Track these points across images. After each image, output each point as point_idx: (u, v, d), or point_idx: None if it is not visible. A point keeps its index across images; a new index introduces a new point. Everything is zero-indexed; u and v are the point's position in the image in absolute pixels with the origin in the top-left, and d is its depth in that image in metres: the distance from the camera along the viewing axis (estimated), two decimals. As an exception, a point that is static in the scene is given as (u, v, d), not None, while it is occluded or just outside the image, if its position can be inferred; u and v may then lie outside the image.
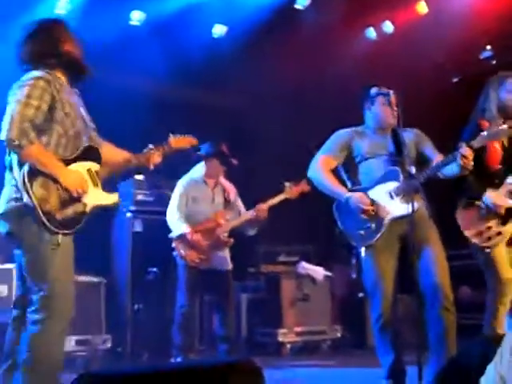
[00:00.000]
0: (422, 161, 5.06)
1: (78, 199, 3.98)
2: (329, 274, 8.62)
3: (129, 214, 8.12)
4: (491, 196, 5.04)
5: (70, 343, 7.14)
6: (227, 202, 6.76)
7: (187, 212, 6.63)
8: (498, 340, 2.88)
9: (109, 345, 7.49)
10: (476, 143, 4.65)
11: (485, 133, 4.67)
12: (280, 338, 8.24)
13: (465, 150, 4.59)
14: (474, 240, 5.06)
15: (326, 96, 9.29)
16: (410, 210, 4.67)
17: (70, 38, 4.18)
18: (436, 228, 4.96)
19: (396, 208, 4.88)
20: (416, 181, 4.81)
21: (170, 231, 6.62)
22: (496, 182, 5.09)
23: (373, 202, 4.91)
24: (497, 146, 5.09)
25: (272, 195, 6.55)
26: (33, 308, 3.87)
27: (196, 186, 6.72)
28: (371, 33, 9.75)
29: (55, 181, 3.87)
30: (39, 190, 3.81)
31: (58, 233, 3.90)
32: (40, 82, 3.92)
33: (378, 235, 4.87)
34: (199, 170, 6.77)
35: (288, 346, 8.29)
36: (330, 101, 9.18)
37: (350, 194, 4.94)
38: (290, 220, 8.79)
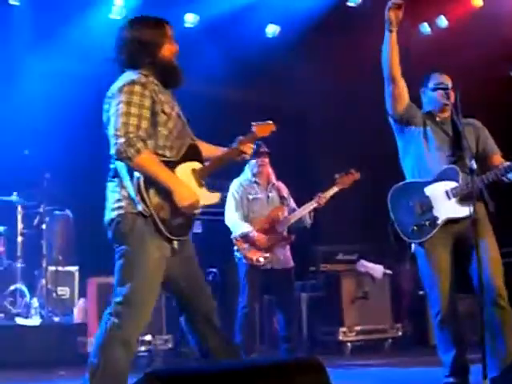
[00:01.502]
0: (482, 156, 4.99)
1: None
2: (388, 271, 8.56)
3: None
4: None
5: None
6: (282, 199, 6.76)
7: (245, 213, 6.65)
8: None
9: (170, 345, 7.55)
10: None
11: None
12: (340, 337, 8.20)
13: None
14: None
15: (380, 95, 9.22)
16: (467, 213, 4.64)
17: (167, 41, 3.97)
18: (491, 226, 4.90)
19: (452, 209, 4.83)
20: (476, 184, 4.73)
21: (228, 232, 6.64)
22: None
23: (429, 200, 4.87)
24: None
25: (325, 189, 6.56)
26: (109, 311, 3.78)
27: (249, 187, 6.73)
28: (425, 28, 9.68)
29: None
30: (155, 197, 3.73)
31: (173, 240, 3.85)
32: (137, 87, 3.77)
33: (431, 234, 4.83)
34: (247, 171, 6.78)
35: (349, 344, 8.25)
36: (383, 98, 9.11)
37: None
38: (348, 218, 8.77)
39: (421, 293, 8.47)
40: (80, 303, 7.77)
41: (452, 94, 4.98)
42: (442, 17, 9.55)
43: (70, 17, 8.22)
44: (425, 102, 5.14)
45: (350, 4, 9.14)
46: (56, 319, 7.74)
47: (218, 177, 7.69)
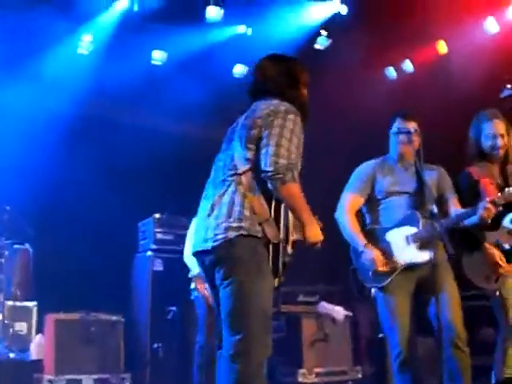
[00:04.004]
0: (441, 201, 5.04)
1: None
2: (349, 313, 8.55)
3: (149, 253, 8.14)
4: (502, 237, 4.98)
5: (90, 382, 7.12)
6: None
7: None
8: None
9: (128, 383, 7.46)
10: (498, 200, 4.66)
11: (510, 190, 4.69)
12: (300, 379, 8.14)
13: (487, 205, 4.61)
14: (482, 285, 5.00)
15: (347, 136, 9.29)
16: (426, 259, 4.69)
17: (305, 82, 4.11)
18: (451, 270, 4.93)
19: (411, 255, 4.86)
20: (437, 229, 4.77)
21: (189, 270, 6.61)
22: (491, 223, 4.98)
23: (388, 245, 4.90)
24: (492, 186, 5.03)
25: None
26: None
27: None
28: (391, 72, 9.78)
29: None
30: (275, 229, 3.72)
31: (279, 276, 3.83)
32: (299, 118, 3.81)
33: (390, 279, 4.86)
34: None
35: (309, 386, 8.20)
36: (351, 140, 9.18)
37: (365, 248, 4.91)
38: (309, 260, 8.75)
39: (381, 336, 8.48)
40: (37, 339, 7.64)
41: (416, 139, 5.02)
42: (408, 61, 9.65)
43: (37, 51, 8.19)
44: (390, 144, 5.19)
45: (317, 46, 9.20)
46: (12, 355, 7.60)
47: (182, 214, 7.76)
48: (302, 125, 3.88)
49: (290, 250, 3.77)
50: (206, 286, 6.40)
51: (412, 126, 5.05)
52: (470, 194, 5.01)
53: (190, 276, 6.58)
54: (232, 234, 3.67)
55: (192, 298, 6.65)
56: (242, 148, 3.79)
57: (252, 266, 3.66)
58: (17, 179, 7.91)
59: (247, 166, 3.76)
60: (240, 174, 3.77)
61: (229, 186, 3.77)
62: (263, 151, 3.68)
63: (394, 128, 5.11)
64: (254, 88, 4.09)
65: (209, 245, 3.74)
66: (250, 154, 3.76)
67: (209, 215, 3.81)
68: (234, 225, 3.68)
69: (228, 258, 3.69)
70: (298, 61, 4.16)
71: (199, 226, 3.89)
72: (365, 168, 5.19)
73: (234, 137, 3.91)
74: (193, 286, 6.55)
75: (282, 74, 4.03)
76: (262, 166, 3.65)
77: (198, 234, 3.87)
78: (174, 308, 7.93)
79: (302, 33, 9.13)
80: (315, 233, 3.77)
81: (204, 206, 3.90)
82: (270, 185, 3.66)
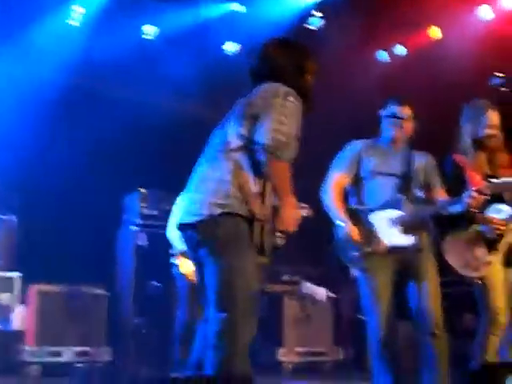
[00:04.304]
0: (427, 188, 5.06)
1: None
2: (332, 295, 8.60)
3: (133, 228, 8.14)
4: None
5: (70, 354, 7.14)
6: None
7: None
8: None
9: (109, 358, 7.47)
10: (485, 189, 4.67)
11: (498, 181, 4.71)
12: (280, 357, 8.20)
13: (473, 193, 4.62)
14: (462, 271, 5.02)
15: (337, 117, 9.29)
16: (409, 242, 4.71)
17: (312, 70, 4.04)
18: (433, 257, 4.96)
19: (394, 238, 4.87)
20: (421, 214, 4.80)
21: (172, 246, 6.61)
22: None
23: (372, 227, 4.91)
24: (477, 176, 5.05)
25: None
26: None
27: None
28: (384, 55, 9.77)
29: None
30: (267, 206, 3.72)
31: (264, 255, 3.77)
32: (299, 103, 3.77)
33: (372, 260, 4.87)
34: None
35: (289, 365, 8.25)
36: (341, 121, 9.18)
37: (342, 222, 4.92)
38: (294, 239, 8.78)
39: (362, 317, 8.51)
40: (19, 310, 7.64)
41: (408, 125, 5.04)
42: (400, 45, 9.65)
43: (27, 20, 8.14)
44: (381, 127, 5.19)
45: (310, 27, 9.18)
46: (-6, 325, 7.61)
47: (168, 190, 7.75)
48: (306, 113, 3.86)
49: (279, 231, 3.75)
50: (187, 262, 6.43)
51: (406, 111, 5.07)
52: (454, 181, 5.02)
53: (171, 252, 6.59)
54: (218, 211, 3.65)
55: (174, 273, 6.65)
56: (237, 124, 3.77)
57: (236, 245, 3.65)
58: (1, 149, 7.88)
59: (240, 143, 3.74)
60: (232, 151, 3.74)
61: (219, 161, 3.75)
62: (261, 125, 3.65)
63: (388, 112, 5.11)
64: (258, 72, 4.03)
65: (194, 219, 3.72)
66: (244, 131, 3.74)
67: (196, 190, 3.80)
68: (221, 202, 3.65)
69: (212, 235, 3.67)
70: (305, 48, 4.10)
71: (186, 200, 3.89)
72: (352, 147, 5.18)
73: (231, 116, 3.91)
74: (174, 261, 6.56)
75: (287, 60, 3.99)
76: (258, 138, 3.63)
77: (185, 208, 3.86)
78: (156, 283, 7.94)
79: (295, 12, 9.10)
80: (291, 216, 3.73)
81: (193, 180, 3.90)
82: (262, 158, 3.63)
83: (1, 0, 7.98)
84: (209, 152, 3.89)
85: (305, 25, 9.15)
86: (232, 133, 3.78)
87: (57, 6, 8.42)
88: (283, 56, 4.01)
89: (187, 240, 3.86)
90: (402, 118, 5.03)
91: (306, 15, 9.15)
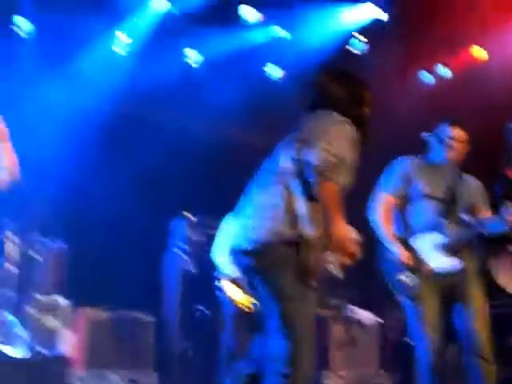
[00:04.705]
0: (473, 212, 5.00)
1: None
2: (377, 318, 8.52)
3: (179, 253, 8.17)
4: None
5: (118, 379, 7.17)
6: None
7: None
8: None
9: (155, 382, 7.49)
10: None
11: None
12: (325, 381, 8.13)
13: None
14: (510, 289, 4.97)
15: (383, 140, 9.25)
16: (455, 267, 4.66)
17: (368, 101, 4.07)
18: (479, 279, 4.89)
19: (440, 262, 4.84)
20: (466, 237, 4.75)
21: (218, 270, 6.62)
22: None
23: (416, 252, 4.87)
24: None
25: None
26: None
27: None
28: (427, 76, 9.74)
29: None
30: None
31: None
32: (352, 130, 3.80)
33: (417, 285, 4.82)
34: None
35: (334, 389, 8.19)
36: (384, 144, 9.14)
37: (392, 244, 4.89)
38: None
39: (409, 341, 8.42)
40: (68, 335, 7.70)
41: (460, 147, 5.00)
42: (445, 66, 9.61)
43: (73, 50, 8.29)
44: (431, 148, 5.15)
45: (353, 51, 9.20)
46: (42, 350, 7.66)
47: (214, 215, 7.79)
48: (362, 143, 3.89)
49: (331, 258, 3.77)
50: (234, 287, 6.43)
51: (458, 133, 5.04)
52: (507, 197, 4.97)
53: (217, 276, 6.59)
54: (272, 237, 3.69)
55: (220, 297, 6.65)
56: (289, 149, 3.81)
57: (292, 271, 3.68)
58: (51, 176, 7.99)
59: (291, 166, 3.77)
60: (283, 175, 3.78)
61: (272, 186, 3.80)
62: (311, 147, 3.66)
63: (440, 133, 5.08)
64: (312, 103, 4.06)
65: (248, 245, 3.76)
66: (295, 155, 3.77)
67: (250, 216, 3.84)
68: (275, 227, 3.70)
69: (267, 261, 3.71)
70: (361, 79, 4.13)
71: (239, 226, 3.91)
72: (400, 165, 5.13)
73: (283, 142, 3.94)
74: (221, 286, 6.56)
75: (342, 90, 4.01)
76: (308, 160, 3.64)
77: (238, 234, 3.90)
78: (202, 308, 7.95)
79: (339, 37, 9.13)
80: (343, 238, 3.68)
81: (246, 206, 3.93)
82: (312, 179, 3.64)
83: (49, 30, 8.14)
84: (261, 177, 3.94)
85: (348, 48, 9.17)
86: (284, 157, 3.82)
87: (103, 34, 8.57)
88: (338, 86, 4.03)
89: (242, 266, 3.89)
90: (457, 141, 5.00)
91: (349, 39, 9.17)
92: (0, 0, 7.90)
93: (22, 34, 8.35)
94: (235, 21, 8.71)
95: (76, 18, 8.02)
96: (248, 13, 8.60)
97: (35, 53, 8.38)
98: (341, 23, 9.08)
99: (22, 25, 8.33)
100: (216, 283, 6.64)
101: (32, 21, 8.30)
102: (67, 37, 8.19)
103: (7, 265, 7.76)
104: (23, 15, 8.26)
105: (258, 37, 9.01)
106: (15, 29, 8.33)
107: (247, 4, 8.61)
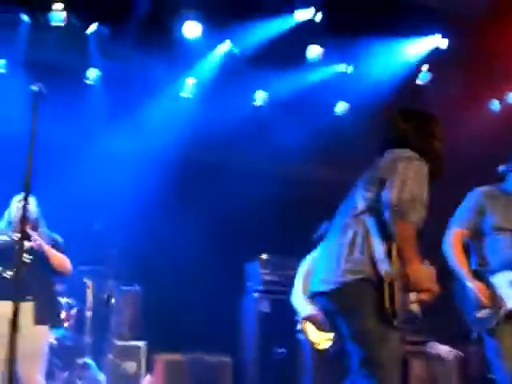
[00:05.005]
0: None
1: None
2: (458, 352, 8.37)
3: (256, 294, 8.18)
4: None
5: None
6: None
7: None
8: None
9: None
10: None
11: None
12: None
13: None
14: None
15: (449, 170, 9.14)
16: None
17: (440, 137, 4.11)
18: None
19: None
20: None
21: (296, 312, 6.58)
22: None
23: (494, 289, 4.78)
24: None
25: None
26: None
27: None
28: (495, 105, 9.63)
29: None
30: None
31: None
32: (424, 166, 3.82)
33: (495, 322, 4.73)
34: None
35: (416, 426, 8.04)
36: (454, 174, 9.03)
37: (470, 281, 4.82)
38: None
39: (491, 377, 8.24)
40: (147, 379, 7.75)
41: None
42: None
43: (141, 97, 8.43)
44: (508, 180, 5.07)
45: (418, 82, 9.15)
46: (122, 394, 7.72)
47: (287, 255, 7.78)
48: (436, 179, 3.91)
49: (410, 297, 3.74)
50: (313, 328, 6.38)
51: None
52: None
53: (297, 318, 6.55)
54: (350, 278, 3.70)
55: (300, 339, 6.62)
56: (364, 189, 3.85)
57: (373, 310, 3.67)
58: (125, 222, 8.09)
59: (367, 207, 3.80)
60: (359, 214, 3.81)
61: (349, 227, 3.82)
62: (386, 187, 3.70)
63: None
64: (384, 141, 4.10)
65: (328, 287, 3.77)
66: (370, 194, 3.81)
67: (328, 257, 3.86)
68: (353, 268, 3.71)
69: (348, 302, 3.73)
70: (429, 113, 4.17)
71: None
72: (473, 197, 5.05)
73: (359, 183, 3.97)
74: (300, 327, 6.51)
75: (414, 128, 4.04)
76: (383, 199, 3.67)
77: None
78: (282, 349, 7.92)
79: (402, 69, 9.09)
80: (419, 275, 3.67)
81: (324, 247, 3.95)
82: (387, 218, 3.65)
83: (115, 80, 8.31)
84: (339, 219, 3.96)
85: (414, 80, 9.13)
86: (359, 197, 3.85)
87: (169, 80, 8.70)
88: (407, 122, 4.07)
89: (323, 308, 3.92)
90: None
91: (414, 70, 9.14)
92: (70, 50, 8.09)
93: (91, 83, 8.53)
94: (298, 59, 8.74)
95: (143, 65, 8.17)
96: (311, 50, 8.63)
97: (104, 100, 8.55)
98: (405, 55, 9.04)
99: (91, 74, 8.51)
100: (295, 325, 6.61)
101: (100, 69, 8.48)
102: (133, 83, 8.34)
103: (84, 310, 7.88)
104: (92, 64, 8.42)
105: (322, 73, 9.02)
106: (86, 80, 8.53)
107: (309, 42, 8.63)
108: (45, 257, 5.64)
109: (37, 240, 5.59)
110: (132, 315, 8.29)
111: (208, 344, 7.62)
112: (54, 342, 6.84)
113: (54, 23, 7.70)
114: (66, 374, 7.41)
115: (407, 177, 3.69)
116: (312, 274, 4.04)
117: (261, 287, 8.19)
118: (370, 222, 3.76)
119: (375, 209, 3.75)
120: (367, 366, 3.64)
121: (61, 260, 5.77)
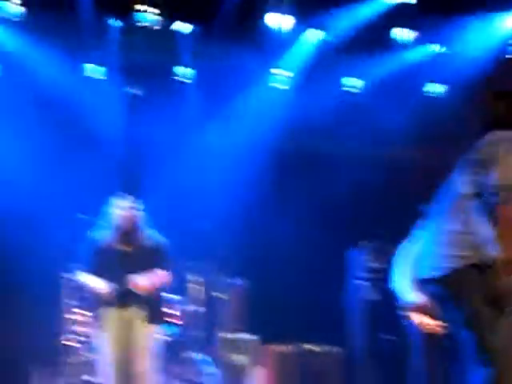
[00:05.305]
0: None
1: None
2: None
3: (360, 282, 8.14)
4: None
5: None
6: None
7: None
8: None
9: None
10: None
11: None
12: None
13: None
14: None
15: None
16: None
17: None
18: None
19: None
20: None
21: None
22: None
23: None
24: None
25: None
26: None
27: None
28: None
29: None
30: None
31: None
32: None
33: None
34: None
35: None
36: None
37: None
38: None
39: None
40: (257, 371, 7.80)
41: None
42: None
43: (235, 90, 8.50)
44: None
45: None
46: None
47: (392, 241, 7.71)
48: None
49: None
50: (419, 314, 6.29)
51: None
52: None
53: (400, 304, 6.48)
54: (460, 264, 3.64)
55: (405, 324, 6.55)
56: (467, 173, 3.76)
57: (481, 296, 3.61)
58: (228, 217, 8.19)
59: (471, 190, 3.72)
60: (463, 199, 3.73)
61: (453, 212, 3.76)
62: (489, 170, 3.62)
63: None
64: (482, 122, 3.99)
65: (436, 273, 3.72)
66: (473, 178, 3.72)
67: (434, 244, 3.81)
68: (461, 253, 3.65)
69: (457, 288, 3.66)
70: None
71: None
72: None
73: (460, 166, 3.88)
74: (405, 313, 6.45)
75: (509, 109, 3.93)
76: (490, 182, 3.59)
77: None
78: (391, 337, 7.86)
79: (495, 45, 8.89)
80: None
81: (430, 233, 3.91)
82: (492, 202, 3.60)
83: (211, 75, 8.41)
84: (442, 203, 3.89)
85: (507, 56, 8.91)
86: (462, 181, 3.76)
87: (263, 73, 8.76)
88: (505, 104, 3.95)
89: (430, 294, 3.88)
90: None
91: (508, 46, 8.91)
92: (161, 50, 8.23)
93: (185, 81, 8.66)
94: (390, 42, 8.67)
95: (234, 60, 8.24)
96: (402, 33, 8.53)
97: (198, 98, 8.67)
98: (496, 30, 8.83)
99: (184, 73, 8.64)
100: (400, 311, 6.54)
101: (192, 67, 8.61)
102: (228, 79, 8.41)
103: (193, 306, 8.00)
104: (184, 65, 8.55)
105: (416, 55, 8.92)
106: (177, 78, 8.66)
107: (399, 26, 8.54)
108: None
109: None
110: (240, 309, 8.38)
111: (315, 334, 7.64)
112: (168, 339, 6.97)
113: (142, 24, 7.85)
114: (179, 368, 7.56)
115: (510, 159, 3.61)
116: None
117: (364, 274, 8.15)
118: (475, 206, 3.68)
119: (479, 193, 3.68)
120: (483, 353, 3.57)
121: (160, 284, 6.02)
